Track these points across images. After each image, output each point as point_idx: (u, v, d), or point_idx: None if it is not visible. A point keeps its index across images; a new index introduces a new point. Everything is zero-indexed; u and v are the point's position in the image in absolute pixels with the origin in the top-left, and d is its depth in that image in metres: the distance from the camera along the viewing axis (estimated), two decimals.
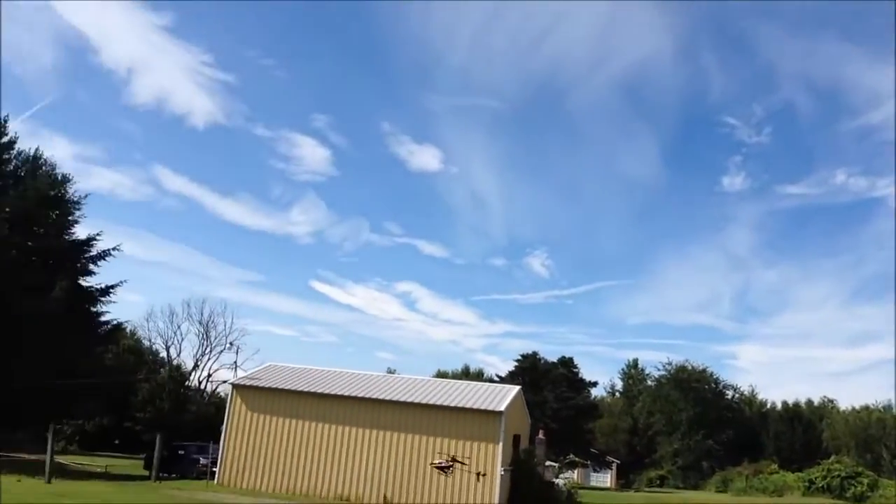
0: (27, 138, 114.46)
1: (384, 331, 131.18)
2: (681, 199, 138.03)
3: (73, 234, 37.86)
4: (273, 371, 29.48)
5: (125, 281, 39.91)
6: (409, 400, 25.46)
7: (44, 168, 37.79)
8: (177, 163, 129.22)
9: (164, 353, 61.73)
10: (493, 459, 23.97)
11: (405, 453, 24.78)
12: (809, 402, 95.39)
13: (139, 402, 57.53)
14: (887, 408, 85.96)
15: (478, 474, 23.57)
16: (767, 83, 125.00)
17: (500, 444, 24.01)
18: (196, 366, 60.36)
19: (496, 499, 23.53)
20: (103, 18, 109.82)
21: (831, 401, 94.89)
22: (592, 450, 66.38)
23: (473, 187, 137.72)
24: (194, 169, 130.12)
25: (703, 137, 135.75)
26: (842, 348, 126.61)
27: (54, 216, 36.83)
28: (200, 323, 59.46)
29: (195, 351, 61.00)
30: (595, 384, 73.54)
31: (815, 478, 51.06)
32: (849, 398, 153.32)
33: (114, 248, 38.66)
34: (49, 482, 21.10)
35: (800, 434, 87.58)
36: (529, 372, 65.45)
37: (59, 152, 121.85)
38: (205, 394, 61.97)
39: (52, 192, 36.47)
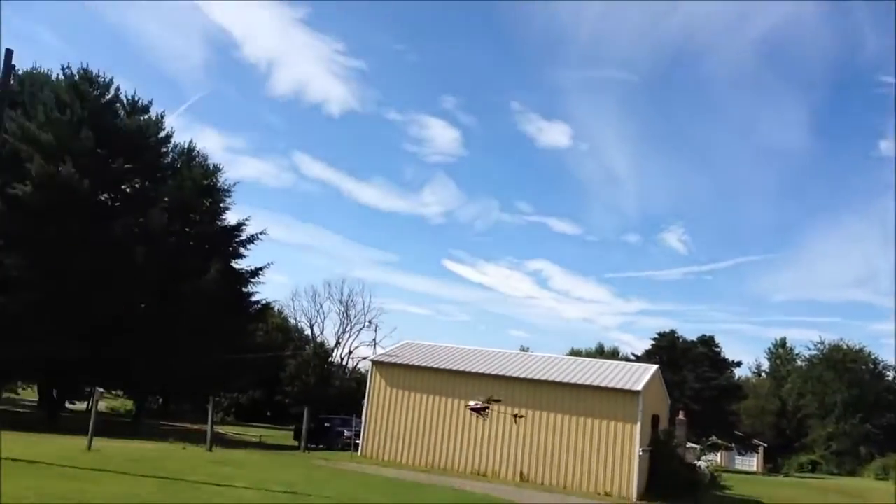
0: (182, 132, 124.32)
1: (516, 309, 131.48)
2: (831, 167, 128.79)
3: (224, 220, 40.57)
4: (410, 348, 30.33)
5: (272, 263, 42.51)
6: (545, 378, 25.42)
7: (197, 159, 40.56)
8: (315, 149, 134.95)
9: (308, 331, 65.08)
10: (630, 440, 23.55)
11: (541, 431, 24.82)
12: None
13: (287, 378, 61.03)
14: None
15: (515, 416, 23.16)
16: None
17: (638, 423, 23.52)
18: (338, 343, 63.21)
19: (634, 479, 23.13)
20: (245, 15, 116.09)
21: None
22: (737, 432, 63.63)
23: (605, 162, 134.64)
24: (331, 154, 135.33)
25: (856, 99, 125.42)
26: None
27: (207, 204, 39.54)
28: (341, 302, 62.19)
29: (336, 329, 63.96)
30: (739, 364, 70.51)
31: None
32: None
33: (261, 233, 41.13)
34: (210, 450, 22.81)
35: None
36: (667, 351, 63.60)
37: (210, 144, 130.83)
38: (346, 370, 64.77)
39: (206, 182, 39.11)
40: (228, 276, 38.27)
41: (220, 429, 36.30)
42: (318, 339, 64.05)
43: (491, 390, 25.84)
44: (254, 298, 41.99)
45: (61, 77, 37.63)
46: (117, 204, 37.97)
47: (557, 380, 25.23)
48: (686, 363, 62.57)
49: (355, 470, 21.86)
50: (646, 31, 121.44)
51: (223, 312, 37.03)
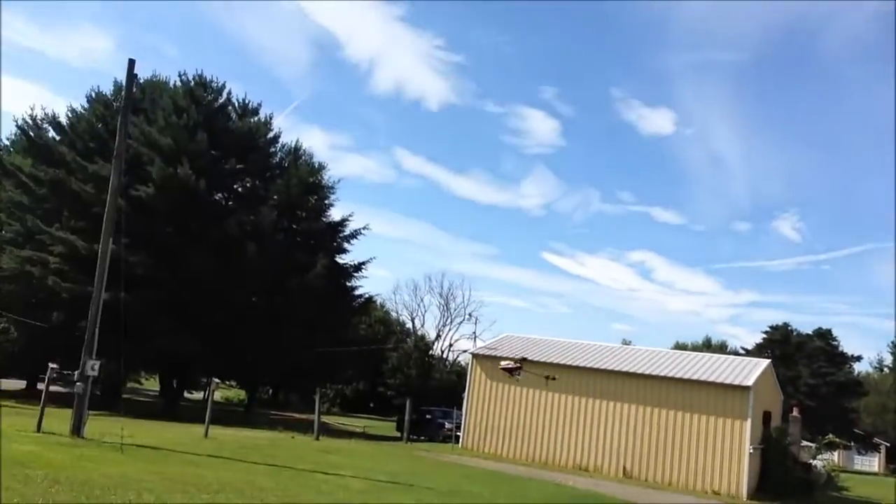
0: (289, 132, 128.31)
1: (618, 301, 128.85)
2: None
3: (328, 216, 41.84)
4: (510, 341, 30.33)
5: (374, 257, 43.60)
6: (649, 372, 24.84)
7: (303, 158, 42.00)
8: (415, 144, 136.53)
9: (409, 324, 66.23)
10: (740, 437, 22.69)
11: (645, 427, 24.29)
12: None
13: (389, 370, 62.36)
14: None
15: (546, 377, 22.32)
16: None
17: (749, 420, 22.62)
18: (438, 336, 64.06)
19: (744, 478, 22.28)
20: (348, 16, 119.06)
21: None
22: (856, 430, 60.14)
23: (712, 148, 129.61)
24: (430, 149, 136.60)
25: None
26: None
27: (313, 201, 40.88)
28: (441, 295, 63.11)
29: (437, 322, 64.81)
30: (859, 358, 66.50)
31: None
32: None
33: (363, 228, 42.15)
34: (317, 439, 23.66)
35: None
36: (780, 345, 60.91)
37: (315, 142, 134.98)
38: (447, 362, 65.49)
39: (311, 180, 40.45)
40: (333, 270, 39.41)
41: (325, 419, 37.48)
42: (419, 332, 65.13)
43: (594, 384, 25.57)
44: (357, 292, 43.18)
45: (178, 84, 39.81)
46: (230, 203, 39.93)
47: (662, 374, 24.61)
48: (800, 357, 59.72)
49: (456, 462, 22.12)
50: (755, 8, 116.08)
51: (328, 306, 38.23)
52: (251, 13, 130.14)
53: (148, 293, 31.45)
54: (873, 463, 62.73)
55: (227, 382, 47.12)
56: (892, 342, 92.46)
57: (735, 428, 22.85)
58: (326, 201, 41.75)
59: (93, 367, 15.21)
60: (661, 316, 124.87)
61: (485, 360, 28.44)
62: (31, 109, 41.16)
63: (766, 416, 25.44)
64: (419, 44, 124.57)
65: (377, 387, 64.92)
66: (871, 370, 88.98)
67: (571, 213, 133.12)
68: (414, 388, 55.28)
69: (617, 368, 25.49)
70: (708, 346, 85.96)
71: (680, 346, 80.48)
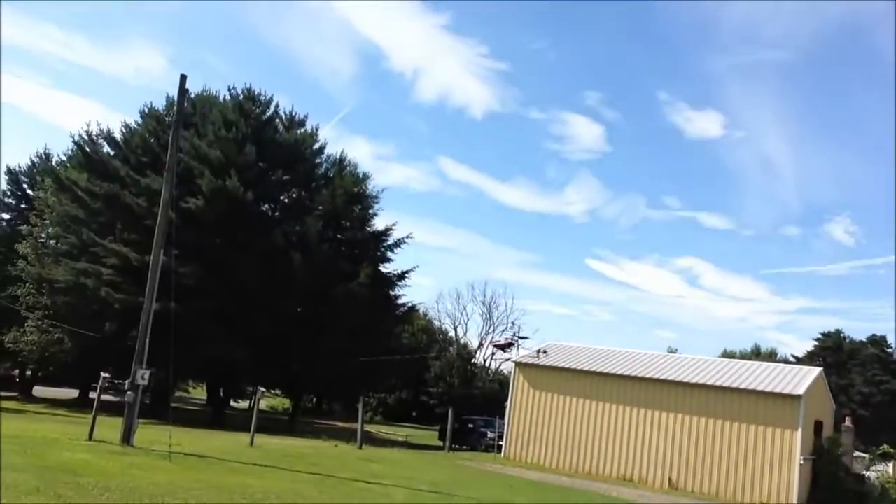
0: (334, 143, 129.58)
1: (664, 309, 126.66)
2: None
3: (372, 225, 42.16)
4: (554, 349, 30.13)
5: (417, 266, 43.78)
6: (695, 381, 24.44)
7: (348, 168, 42.48)
8: (459, 152, 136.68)
9: (452, 333, 66.22)
10: (790, 447, 22.16)
11: (691, 437, 23.90)
12: None
13: (432, 378, 62.43)
14: None
15: (537, 351, 21.99)
16: None
17: (800, 430, 22.09)
18: (481, 344, 63.85)
19: (795, 489, 21.74)
20: (393, 26, 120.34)
21: None
22: None
23: (761, 151, 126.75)
24: (474, 157, 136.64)
25: None
26: None
27: (357, 210, 41.27)
28: (483, 304, 62.75)
29: (479, 330, 64.65)
30: None
31: None
32: None
33: (407, 237, 42.40)
34: (360, 448, 23.84)
35: None
36: (832, 352, 59.31)
37: (359, 152, 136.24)
38: (489, 371, 65.30)
39: (356, 189, 40.85)
40: (377, 279, 39.71)
41: (368, 427, 37.73)
42: (462, 341, 65.03)
43: (638, 393, 25.27)
44: (400, 301, 43.40)
45: (227, 97, 40.77)
46: (276, 214, 40.66)
47: (710, 383, 24.20)
48: (853, 365, 58.06)
49: (499, 472, 22.05)
50: (804, 7, 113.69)
51: (372, 315, 38.52)
52: (298, 26, 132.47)
53: (197, 303, 32.12)
54: None
55: (272, 391, 47.78)
56: None
57: (785, 438, 22.33)
58: (370, 211, 42.12)
59: (143, 376, 15.62)
60: (708, 323, 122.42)
61: (528, 368, 28.33)
62: (87, 126, 42.58)
63: (818, 426, 24.80)
64: (463, 52, 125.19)
65: (420, 395, 65.04)
66: None
67: (616, 219, 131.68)
68: (456, 397, 55.23)
69: (662, 377, 25.15)
70: (757, 353, 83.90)
71: (728, 354, 78.67)
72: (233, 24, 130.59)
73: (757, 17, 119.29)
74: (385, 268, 42.35)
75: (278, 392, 50.58)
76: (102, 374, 18.07)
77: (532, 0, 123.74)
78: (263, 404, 45.63)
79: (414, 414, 68.06)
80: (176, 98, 18.41)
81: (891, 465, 27.90)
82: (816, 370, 25.82)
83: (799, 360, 59.28)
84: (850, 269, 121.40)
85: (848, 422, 28.18)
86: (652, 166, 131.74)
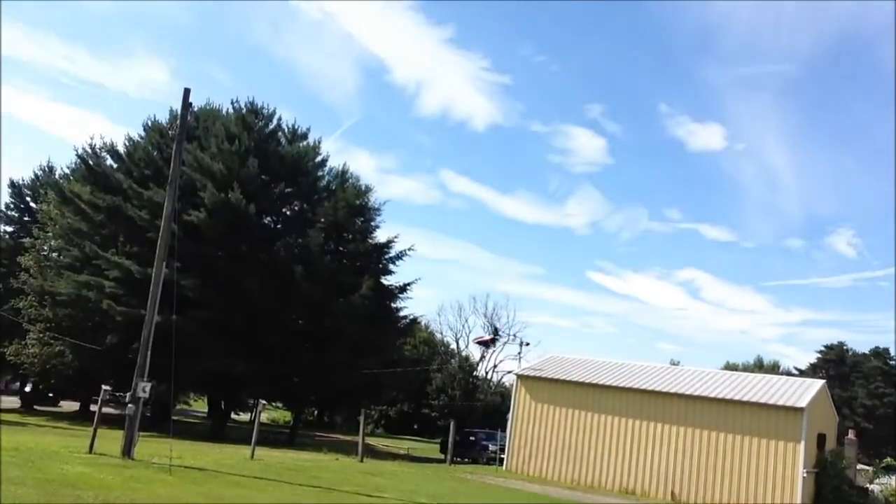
0: (336, 155, 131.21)
1: (665, 321, 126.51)
2: None
3: (374, 238, 42.12)
4: (555, 362, 30.09)
5: (419, 278, 43.60)
6: (697, 393, 24.38)
7: (350, 181, 42.52)
8: (461, 165, 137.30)
9: (453, 345, 66.11)
10: (793, 460, 22.06)
11: (693, 449, 23.81)
12: None
13: (433, 391, 62.29)
14: None
15: (520, 343, 21.93)
16: None
17: (802, 443, 22.00)
18: (482, 357, 63.72)
19: (798, 502, 21.61)
20: (395, 40, 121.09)
21: None
22: None
23: (763, 163, 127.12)
24: (476, 169, 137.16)
25: None
26: None
27: (359, 223, 41.27)
28: (485, 316, 62.62)
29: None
30: None
31: None
32: None
33: (409, 249, 42.28)
34: (361, 461, 23.77)
35: None
36: (835, 364, 59.17)
37: (361, 165, 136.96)
38: (491, 383, 65.14)
39: (358, 202, 40.84)
40: (378, 292, 39.64)
41: (369, 440, 37.61)
42: (464, 353, 64.92)
43: (640, 406, 25.20)
44: (402, 313, 43.30)
45: (231, 111, 40.94)
46: (278, 226, 40.72)
47: (711, 395, 24.14)
48: (857, 378, 57.86)
49: (500, 485, 21.97)
50: (806, 20, 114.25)
51: (373, 328, 38.46)
52: (301, 40, 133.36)
53: (198, 315, 32.14)
54: None
55: (274, 404, 47.67)
56: None
57: (788, 451, 22.25)
58: (372, 223, 42.11)
59: (144, 388, 15.61)
60: (710, 335, 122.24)
61: (529, 380, 28.28)
62: (91, 139, 42.77)
63: (821, 439, 24.70)
64: (466, 65, 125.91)
65: (421, 408, 64.86)
66: None
67: (618, 231, 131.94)
68: (458, 410, 55.09)
69: (664, 389, 25.09)
70: (759, 366, 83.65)
71: (730, 367, 78.49)
72: (236, 38, 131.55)
73: (758, 30, 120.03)
74: (387, 280, 42.33)
75: (279, 405, 50.41)
76: (103, 387, 18.06)
77: (534, 14, 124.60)
78: (264, 417, 45.49)
79: (415, 426, 67.85)
80: (179, 111, 18.52)
81: (894, 478, 27.76)
82: (819, 382, 25.75)
83: (802, 373, 59.14)
84: (853, 280, 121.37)
85: (851, 434, 28.08)
86: (653, 178, 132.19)
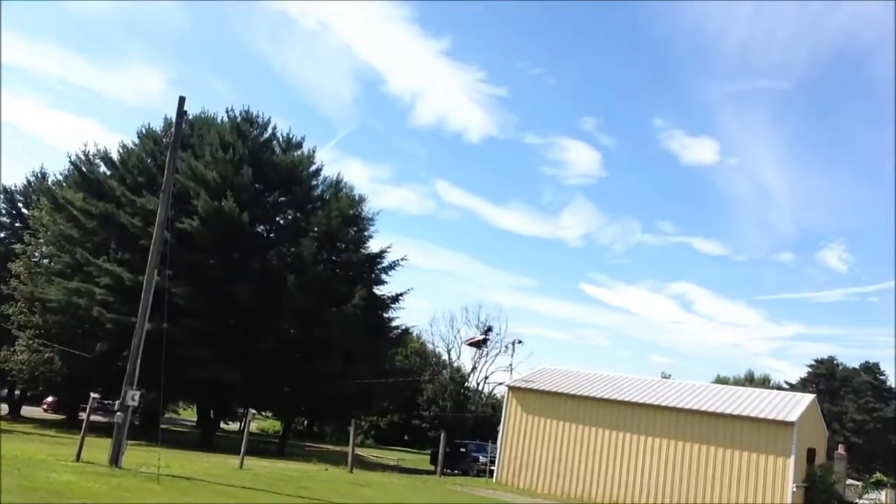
0: (330, 165, 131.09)
1: (658, 334, 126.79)
2: None
3: (367, 248, 42.10)
4: (547, 374, 30.05)
5: (412, 289, 43.69)
6: (687, 407, 24.38)
7: (344, 190, 42.51)
8: (455, 176, 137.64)
9: (445, 356, 66.01)
10: (783, 475, 22.08)
11: (683, 463, 23.79)
12: None
13: (425, 402, 62.12)
14: None
15: (512, 343, 21.93)
16: None
17: (792, 457, 22.02)
18: (474, 368, 63.63)
19: None
20: (392, 51, 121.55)
21: None
22: None
23: (756, 177, 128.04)
24: (470, 181, 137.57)
25: None
26: None
27: (353, 232, 41.26)
28: (478, 327, 62.57)
29: (473, 354, 64.38)
30: None
31: None
32: None
33: (402, 259, 42.28)
34: (351, 472, 23.64)
35: None
36: (825, 379, 59.34)
37: (355, 175, 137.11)
38: (482, 395, 65.02)
39: (351, 212, 40.82)
40: (371, 301, 39.59)
41: (359, 451, 37.48)
42: (455, 364, 64.81)
43: (631, 418, 25.18)
44: (394, 324, 43.24)
45: (225, 119, 40.94)
46: (272, 235, 40.69)
47: (702, 409, 24.13)
48: (847, 392, 58.02)
49: (490, 497, 21.89)
50: (799, 36, 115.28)
51: (365, 337, 38.37)
52: (298, 50, 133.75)
53: (189, 323, 32.03)
54: None
55: (263, 413, 47.47)
56: None
57: (778, 465, 22.25)
58: (366, 233, 42.09)
59: (133, 397, 15.52)
60: (702, 349, 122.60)
61: (521, 392, 28.23)
62: (85, 145, 42.68)
63: (811, 454, 24.73)
64: (461, 77, 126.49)
65: (412, 419, 64.67)
66: None
67: (611, 243, 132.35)
68: (448, 421, 54.92)
69: (656, 402, 25.07)
70: (750, 380, 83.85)
71: (721, 380, 78.63)
72: (234, 47, 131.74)
73: (752, 46, 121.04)
74: (379, 290, 42.29)
75: (269, 414, 50.20)
76: (92, 395, 17.95)
77: (530, 27, 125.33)
78: (254, 426, 45.27)
79: (406, 437, 67.63)
80: (174, 119, 18.52)
81: (884, 493, 27.85)
82: (809, 397, 25.80)
83: (792, 387, 59.25)
84: (844, 295, 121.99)
85: (841, 449, 28.15)
86: (647, 191, 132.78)
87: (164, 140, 38.91)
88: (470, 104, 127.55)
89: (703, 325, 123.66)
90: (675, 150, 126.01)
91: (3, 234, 53.30)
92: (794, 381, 63.93)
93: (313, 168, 41.86)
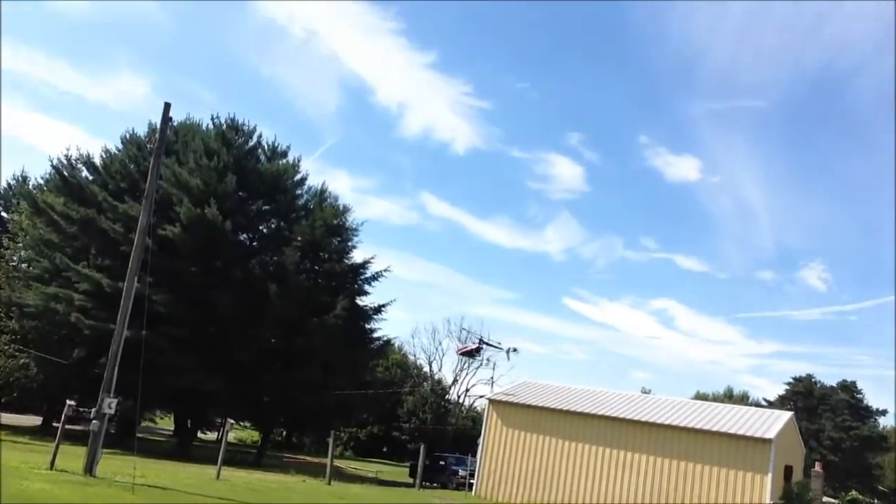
0: (315, 175, 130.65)
1: (639, 349, 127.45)
2: None
3: (351, 258, 42.00)
4: (528, 388, 30.06)
5: (394, 300, 43.41)
6: (667, 422, 24.47)
7: (328, 200, 42.40)
8: (440, 188, 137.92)
9: (426, 368, 65.83)
10: (760, 491, 22.19)
11: (662, 478, 23.84)
12: None
13: (404, 414, 61.85)
14: None
15: (507, 350, 22.00)
16: None
17: (770, 475, 22.14)
18: (455, 380, 63.51)
19: None
20: (379, 62, 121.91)
21: None
22: (880, 487, 58.49)
23: (737, 196, 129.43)
24: (455, 193, 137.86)
25: None
26: None
27: (336, 242, 41.14)
28: (459, 339, 62.49)
29: (454, 366, 64.29)
30: (884, 412, 64.97)
31: None
32: None
33: (385, 270, 42.20)
34: (329, 483, 23.48)
35: None
36: (803, 396, 59.81)
37: (340, 185, 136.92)
38: (463, 407, 64.87)
39: (335, 221, 40.73)
40: (353, 312, 39.44)
41: (338, 463, 37.18)
42: (436, 377, 64.66)
43: (610, 433, 25.23)
44: (376, 335, 43.07)
45: (210, 126, 40.69)
46: (254, 243, 40.48)
47: (681, 424, 24.21)
48: (824, 410, 58.51)
49: None
50: (782, 57, 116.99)
51: (347, 348, 38.22)
52: (285, 58, 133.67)
53: (169, 331, 31.75)
54: None
55: (242, 423, 47.04)
56: None
57: (755, 482, 22.35)
58: (349, 243, 41.98)
59: (110, 404, 15.34)
60: (682, 365, 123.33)
61: (501, 405, 28.20)
62: (67, 150, 42.25)
63: (788, 471, 24.88)
64: (448, 90, 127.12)
65: (392, 431, 64.34)
66: None
67: (594, 259, 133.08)
68: (428, 434, 54.71)
69: (635, 418, 25.13)
70: (729, 396, 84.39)
71: (700, 396, 79.08)
72: (220, 54, 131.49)
73: (735, 66, 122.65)
74: (362, 301, 42.16)
75: (247, 424, 49.74)
76: (68, 402, 17.71)
77: (516, 42, 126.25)
78: (232, 437, 44.85)
79: (385, 449, 67.24)
80: (158, 125, 18.43)
81: None
82: (787, 414, 25.98)
83: (770, 404, 59.73)
84: (822, 314, 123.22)
85: (818, 467, 28.29)
86: (631, 208, 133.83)
87: (147, 146, 38.77)
88: (456, 117, 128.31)
89: (684, 341, 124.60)
90: (660, 167, 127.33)
91: None
92: (772, 399, 64.41)
93: (298, 177, 41.76)
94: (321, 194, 42.70)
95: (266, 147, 41.62)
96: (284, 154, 41.86)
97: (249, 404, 36.75)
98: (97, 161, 40.69)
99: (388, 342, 45.68)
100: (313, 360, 36.13)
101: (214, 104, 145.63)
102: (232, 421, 25.44)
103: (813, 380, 62.69)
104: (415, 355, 66.84)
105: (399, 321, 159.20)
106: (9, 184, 53.02)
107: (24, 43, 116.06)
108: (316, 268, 40.76)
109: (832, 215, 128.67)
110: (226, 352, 34.31)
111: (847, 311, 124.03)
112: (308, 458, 44.95)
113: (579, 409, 26.34)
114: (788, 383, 64.00)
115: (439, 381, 64.36)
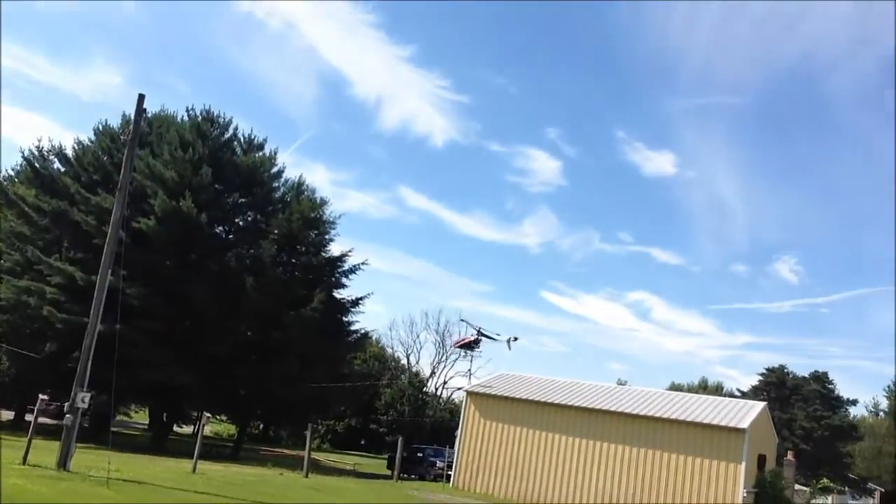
0: (292, 168, 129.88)
1: (615, 341, 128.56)
2: None
3: (328, 251, 41.83)
4: (505, 380, 30.23)
5: (372, 293, 43.48)
6: (642, 413, 24.76)
7: (305, 193, 42.11)
8: (418, 182, 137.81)
9: (404, 361, 65.83)
10: (734, 480, 22.53)
11: (637, 467, 24.13)
12: None
13: (382, 406, 61.86)
14: None
15: (508, 340, 22.28)
16: None
17: (743, 463, 22.49)
18: (433, 373, 63.60)
19: None
20: (357, 55, 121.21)
21: None
22: (850, 475, 59.70)
23: (712, 190, 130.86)
24: (433, 186, 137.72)
25: None
26: None
27: (313, 235, 40.95)
28: (437, 332, 62.56)
29: (432, 359, 64.37)
30: (854, 402, 66.41)
31: None
32: None
33: (362, 263, 42.09)
34: (307, 476, 23.43)
35: None
36: (775, 387, 60.72)
37: (318, 178, 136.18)
38: (440, 399, 65.00)
39: (312, 214, 40.48)
40: (330, 305, 39.32)
41: (316, 455, 37.11)
42: (414, 369, 64.70)
43: (586, 424, 25.46)
44: (353, 328, 43.00)
45: (185, 118, 40.15)
46: (230, 236, 40.11)
47: (656, 415, 24.51)
48: (796, 400, 59.46)
49: (446, 501, 21.92)
50: (758, 54, 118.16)
51: (324, 341, 38.12)
52: (263, 50, 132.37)
53: (143, 325, 31.42)
54: None
55: (218, 417, 46.73)
56: (888, 386, 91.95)
57: (729, 471, 22.71)
58: (327, 236, 41.79)
59: (83, 399, 15.16)
60: (658, 356, 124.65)
61: (479, 397, 28.33)
62: (38, 141, 41.45)
63: (761, 460, 25.29)
64: (425, 84, 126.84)
65: (369, 423, 64.32)
66: (866, 414, 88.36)
67: (571, 252, 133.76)
68: (406, 426, 54.78)
69: (611, 408, 25.40)
70: (704, 387, 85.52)
71: (676, 387, 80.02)
72: (197, 47, 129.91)
73: (712, 63, 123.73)
74: (339, 294, 42.03)
75: (224, 417, 49.40)
76: (40, 396, 17.49)
77: (494, 37, 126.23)
78: (208, 430, 44.52)
79: (363, 442, 67.24)
80: (132, 116, 18.19)
81: (830, 498, 28.61)
82: (760, 405, 26.39)
83: (744, 395, 60.55)
84: (794, 306, 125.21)
85: (790, 455, 28.82)
86: (607, 201, 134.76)
87: (121, 137, 38.25)
88: (434, 111, 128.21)
89: (659, 333, 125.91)
90: (637, 161, 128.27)
91: None
92: (745, 389, 65.28)
93: (275, 170, 41.37)
94: (298, 187, 42.41)
95: (242, 139, 41.22)
96: (261, 146, 41.52)
97: (225, 398, 36.53)
98: (69, 153, 40.06)
99: (365, 335, 45.63)
100: (290, 353, 35.98)
101: (190, 96, 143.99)
102: (208, 414, 25.26)
103: (785, 370, 63.63)
104: (392, 348, 66.86)
105: (377, 314, 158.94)
106: None
107: None
108: (293, 261, 40.53)
109: (805, 210, 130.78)
110: (201, 345, 34.03)
111: (819, 303, 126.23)
112: (285, 451, 44.89)
113: (556, 401, 26.55)
114: (761, 374, 64.89)
115: (417, 374, 64.42)
